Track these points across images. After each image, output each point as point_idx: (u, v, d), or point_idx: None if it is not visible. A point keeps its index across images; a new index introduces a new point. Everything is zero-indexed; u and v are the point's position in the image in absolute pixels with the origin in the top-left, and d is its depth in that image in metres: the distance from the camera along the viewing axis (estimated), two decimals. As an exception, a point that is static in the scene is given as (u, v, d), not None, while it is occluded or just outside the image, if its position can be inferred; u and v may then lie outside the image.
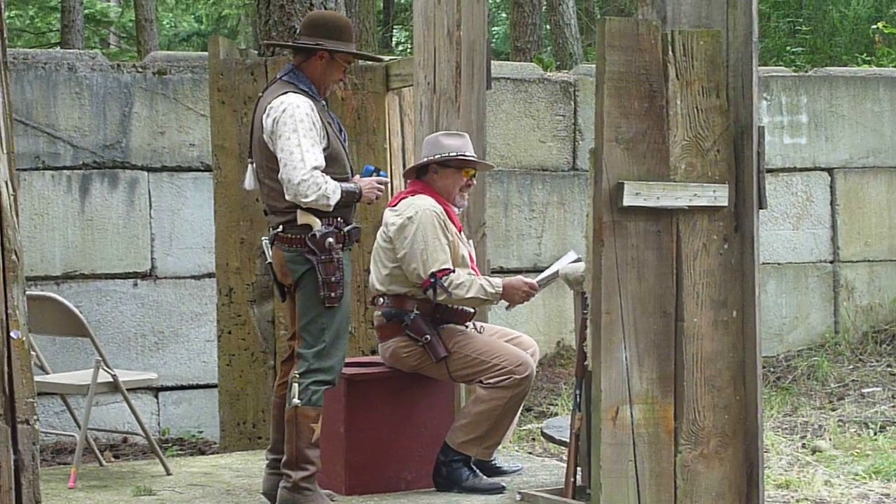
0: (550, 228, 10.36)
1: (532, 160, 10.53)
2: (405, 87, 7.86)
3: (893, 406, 9.46)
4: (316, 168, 5.57)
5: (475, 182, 6.47)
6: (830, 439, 8.44)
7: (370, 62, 7.64)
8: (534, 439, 8.56)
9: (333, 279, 5.66)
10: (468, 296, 6.09)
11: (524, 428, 8.85)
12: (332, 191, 5.60)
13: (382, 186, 5.92)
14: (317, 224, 5.66)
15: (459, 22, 7.18)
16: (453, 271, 6.09)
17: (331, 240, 5.67)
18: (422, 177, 6.35)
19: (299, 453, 5.70)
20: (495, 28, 23.30)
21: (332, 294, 5.67)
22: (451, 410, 6.47)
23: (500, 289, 6.16)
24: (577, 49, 16.15)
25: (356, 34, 6.15)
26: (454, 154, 6.29)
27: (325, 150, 5.66)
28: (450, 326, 6.21)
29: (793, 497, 6.83)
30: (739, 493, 5.34)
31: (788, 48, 14.02)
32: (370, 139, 7.85)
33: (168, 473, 6.79)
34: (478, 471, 6.23)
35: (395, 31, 21.63)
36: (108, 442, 8.80)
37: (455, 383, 6.48)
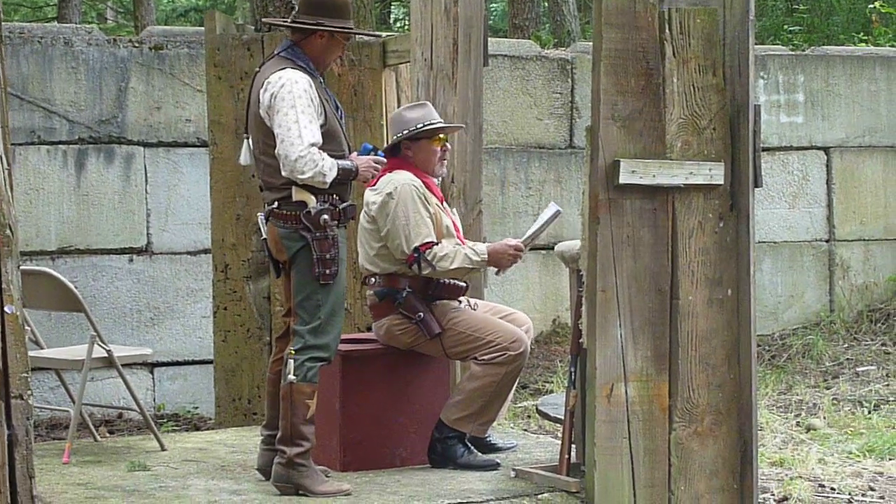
0: (547, 206, 10.35)
1: (529, 137, 10.52)
2: (402, 63, 7.84)
3: (887, 385, 9.48)
4: (313, 145, 5.55)
5: (449, 146, 6.45)
6: (825, 418, 8.46)
7: (368, 38, 7.62)
8: (529, 416, 8.58)
9: (328, 256, 5.66)
10: (453, 266, 6.08)
11: (519, 405, 8.86)
12: (329, 168, 5.59)
13: (379, 166, 5.91)
14: (312, 201, 5.65)
15: (457, -2, 7.17)
16: (437, 243, 6.09)
17: (326, 217, 5.65)
18: (396, 155, 6.31)
19: (294, 429, 5.70)
20: (494, 5, 23.24)
21: (327, 271, 5.67)
22: (446, 387, 6.48)
23: (486, 255, 6.14)
24: (575, 27, 16.10)
25: (353, 10, 6.13)
26: (420, 126, 6.25)
27: (322, 126, 5.65)
28: (443, 303, 6.21)
29: (787, 475, 6.84)
30: (733, 470, 5.36)
31: (785, 27, 14.01)
32: (367, 115, 7.84)
33: (163, 449, 6.80)
34: (473, 448, 6.23)
35: (392, 7, 21.57)
36: (103, 417, 8.82)
37: (450, 360, 6.48)
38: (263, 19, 6.58)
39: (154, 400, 9.34)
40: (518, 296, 10.23)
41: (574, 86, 10.64)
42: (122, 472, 6.28)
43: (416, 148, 6.28)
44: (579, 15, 16.64)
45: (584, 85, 10.39)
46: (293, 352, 5.70)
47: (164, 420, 8.94)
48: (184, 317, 9.40)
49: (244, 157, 5.94)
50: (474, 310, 6.34)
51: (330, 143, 5.68)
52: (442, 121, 6.43)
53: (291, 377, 5.68)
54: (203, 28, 8.21)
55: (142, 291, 9.33)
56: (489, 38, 7.50)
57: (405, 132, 6.25)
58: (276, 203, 5.73)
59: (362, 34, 6.35)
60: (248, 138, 5.89)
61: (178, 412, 9.22)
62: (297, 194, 5.65)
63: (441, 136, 6.33)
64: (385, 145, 6.46)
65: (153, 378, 9.37)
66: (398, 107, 7.87)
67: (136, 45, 9.44)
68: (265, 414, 6.08)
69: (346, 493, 5.72)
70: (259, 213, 5.93)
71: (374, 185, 6.23)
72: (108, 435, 8.07)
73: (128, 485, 5.98)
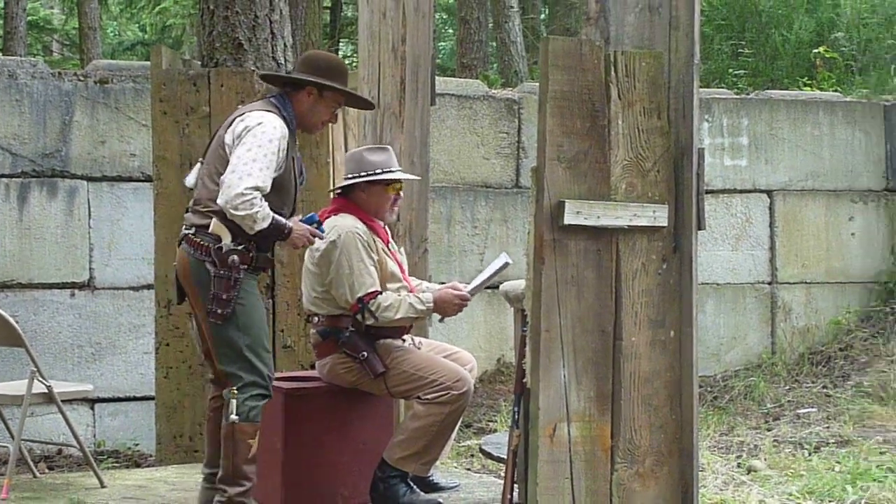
0: (493, 245, 10.37)
1: (475, 177, 10.55)
2: (349, 101, 7.84)
3: (828, 427, 9.54)
4: (258, 189, 5.51)
5: (402, 195, 6.45)
6: (765, 459, 8.50)
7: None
8: (472, 455, 8.56)
9: (225, 296, 5.59)
10: (397, 317, 6.08)
11: (463, 444, 8.85)
12: (263, 217, 5.51)
13: (315, 239, 5.86)
14: (227, 238, 5.61)
15: (404, 37, 7.19)
16: (381, 293, 6.08)
17: (235, 258, 5.60)
18: (348, 194, 6.29)
19: (236, 469, 5.67)
20: (442, 44, 23.34)
21: (219, 310, 5.60)
22: (389, 426, 6.46)
23: (431, 304, 6.14)
24: (523, 67, 16.21)
25: (349, 79, 6.11)
26: (380, 171, 6.24)
27: (276, 176, 5.60)
28: (387, 342, 6.20)
29: (728, 516, 6.87)
30: (674, 512, 5.36)
31: (731, 70, 14.15)
32: (313, 153, 7.83)
33: (102, 486, 6.73)
34: (415, 487, 6.21)
35: (341, 45, 21.60)
36: (43, 453, 8.73)
37: (393, 399, 6.46)
38: (259, 74, 6.55)
39: (94, 436, 9.25)
40: (463, 334, 10.23)
41: (521, 126, 10.69)
42: (61, 509, 6.23)
43: (370, 191, 6.26)
44: (527, 55, 16.75)
45: (531, 125, 10.45)
46: (234, 391, 5.66)
47: (105, 456, 8.86)
48: (125, 352, 9.33)
49: (190, 179, 5.90)
50: (418, 348, 6.33)
51: (276, 196, 5.63)
52: (402, 169, 6.43)
53: (234, 417, 5.64)
54: (149, 63, 8.18)
55: (83, 327, 9.26)
56: (437, 78, 7.53)
57: (364, 174, 6.22)
58: (193, 228, 5.68)
59: (353, 98, 6.23)
60: (202, 162, 5.85)
61: (119, 449, 9.14)
62: (215, 227, 5.61)
63: (398, 183, 6.33)
64: (334, 184, 6.45)
65: (94, 414, 9.29)
66: (345, 144, 7.87)
67: (82, 78, 9.40)
68: (205, 452, 6.04)
69: None
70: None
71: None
72: (47, 471, 7.99)
73: (66, 522, 5.92)
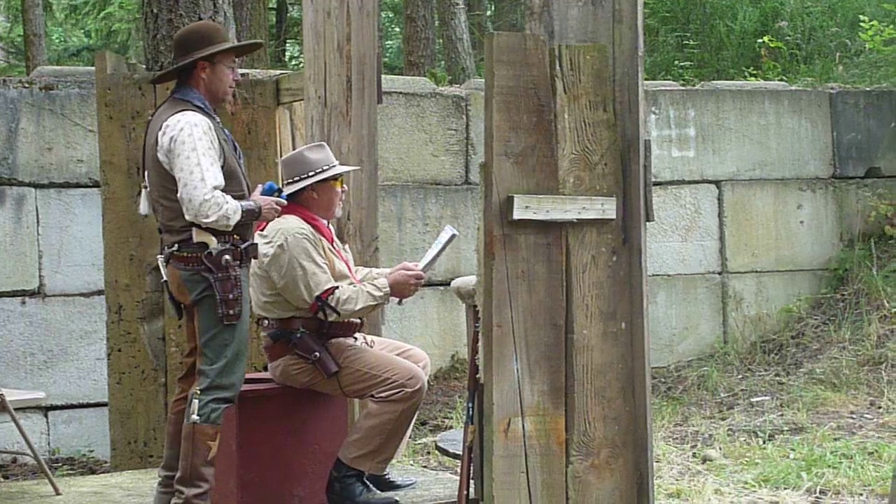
0: (442, 230, 10.37)
1: (425, 174, 10.55)
2: (296, 101, 7.83)
3: (782, 415, 9.61)
4: (216, 188, 5.53)
5: (346, 188, 6.47)
6: (720, 448, 8.55)
7: (261, 76, 7.61)
8: (428, 453, 8.57)
9: (231, 296, 5.65)
10: (358, 307, 6.08)
11: (419, 442, 8.86)
12: (233, 211, 5.57)
13: (280, 207, 5.91)
14: (213, 242, 5.64)
15: (349, 36, 7.18)
16: (337, 287, 6.08)
17: (227, 257, 5.64)
18: (293, 197, 6.25)
19: (194, 470, 5.66)
20: (389, 42, 23.31)
21: (231, 311, 5.65)
22: (344, 426, 6.45)
23: (388, 289, 6.15)
24: (470, 64, 16.21)
25: (226, 33, 6.10)
26: (326, 168, 6.25)
27: (221, 167, 5.63)
28: (339, 341, 6.19)
29: (684, 506, 6.91)
30: (630, 503, 5.38)
31: (676, 62, 14.21)
32: (261, 153, 7.81)
33: (57, 493, 6.69)
34: (371, 486, 6.21)
35: (287, 45, 21.54)
36: (-3, 462, 8.67)
37: (347, 398, 6.46)
38: (152, 79, 6.56)
39: (49, 444, 9.19)
40: (416, 332, 10.23)
41: (469, 122, 10.70)
42: (15, 518, 6.19)
43: (321, 190, 6.26)
44: (474, 52, 16.76)
45: (479, 121, 10.46)
46: (199, 392, 5.66)
47: (59, 464, 8.80)
48: (78, 359, 9.27)
49: (143, 207, 5.93)
50: (371, 347, 6.33)
51: (230, 183, 5.67)
52: (341, 163, 6.45)
53: (195, 417, 5.64)
54: (94, 68, 8.14)
55: (35, 334, 9.19)
56: (384, 76, 7.53)
57: (313, 174, 6.21)
58: (176, 245, 5.69)
59: (242, 47, 6.24)
60: (145, 187, 5.84)
61: (74, 456, 9.08)
62: (197, 236, 5.63)
63: (342, 177, 6.37)
64: (283, 184, 6.43)
65: (47, 422, 9.23)
66: (292, 144, 7.86)
67: (27, 85, 9.33)
68: (163, 454, 6.02)
69: None
70: (159, 255, 5.88)
71: (262, 229, 6.17)
72: (2, 480, 7.93)
73: (20, 531, 5.89)
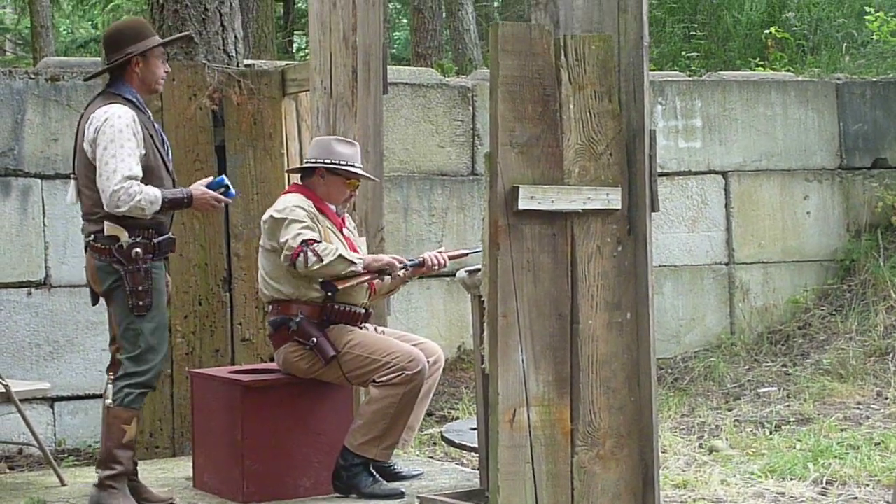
0: (450, 233, 10.36)
1: (431, 165, 10.54)
2: (302, 91, 7.83)
3: (788, 406, 9.60)
4: (130, 178, 5.68)
5: (356, 195, 6.53)
6: (727, 439, 8.54)
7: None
8: (435, 444, 8.57)
9: (141, 288, 5.82)
10: (334, 257, 6.10)
11: (425, 432, 8.85)
12: (151, 200, 5.72)
13: (219, 205, 5.99)
14: (124, 235, 5.81)
15: (355, 26, 7.18)
16: (321, 242, 6.13)
17: (138, 250, 5.81)
18: (305, 179, 6.38)
19: (108, 453, 5.90)
20: (396, 33, 23.29)
21: (141, 303, 5.83)
22: (348, 416, 6.46)
23: (360, 260, 6.24)
24: (477, 54, 16.20)
25: (147, 26, 6.28)
26: (345, 163, 6.31)
27: (141, 159, 5.73)
28: (339, 327, 6.23)
29: (690, 497, 6.90)
30: (635, 493, 5.38)
31: (683, 53, 14.18)
32: (266, 144, 7.82)
33: (63, 484, 6.71)
34: (378, 476, 6.22)
35: (295, 36, 21.53)
36: (3, 453, 8.66)
37: (352, 388, 6.47)
38: (85, 77, 6.78)
39: (55, 435, 9.19)
40: (423, 323, 10.22)
41: (475, 113, 10.68)
42: (21, 508, 6.19)
43: (329, 180, 6.35)
44: (481, 43, 16.74)
45: (486, 112, 10.43)
46: (114, 378, 5.92)
47: (65, 455, 8.80)
48: (84, 350, 9.27)
49: (70, 196, 6.08)
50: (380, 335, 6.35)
51: (149, 177, 5.81)
52: (364, 168, 6.50)
53: (108, 402, 5.89)
54: (100, 59, 8.13)
55: (41, 325, 9.19)
56: (390, 67, 7.52)
57: (329, 161, 6.28)
58: (92, 235, 5.91)
59: (172, 41, 6.54)
60: (74, 177, 5.99)
61: (80, 447, 9.08)
62: (108, 229, 5.82)
63: (356, 181, 6.40)
64: (291, 166, 6.49)
65: (53, 413, 9.23)
66: (298, 135, 7.87)
67: (33, 76, 9.33)
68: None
69: None
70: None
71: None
72: (7, 471, 7.94)
73: (26, 522, 5.90)
